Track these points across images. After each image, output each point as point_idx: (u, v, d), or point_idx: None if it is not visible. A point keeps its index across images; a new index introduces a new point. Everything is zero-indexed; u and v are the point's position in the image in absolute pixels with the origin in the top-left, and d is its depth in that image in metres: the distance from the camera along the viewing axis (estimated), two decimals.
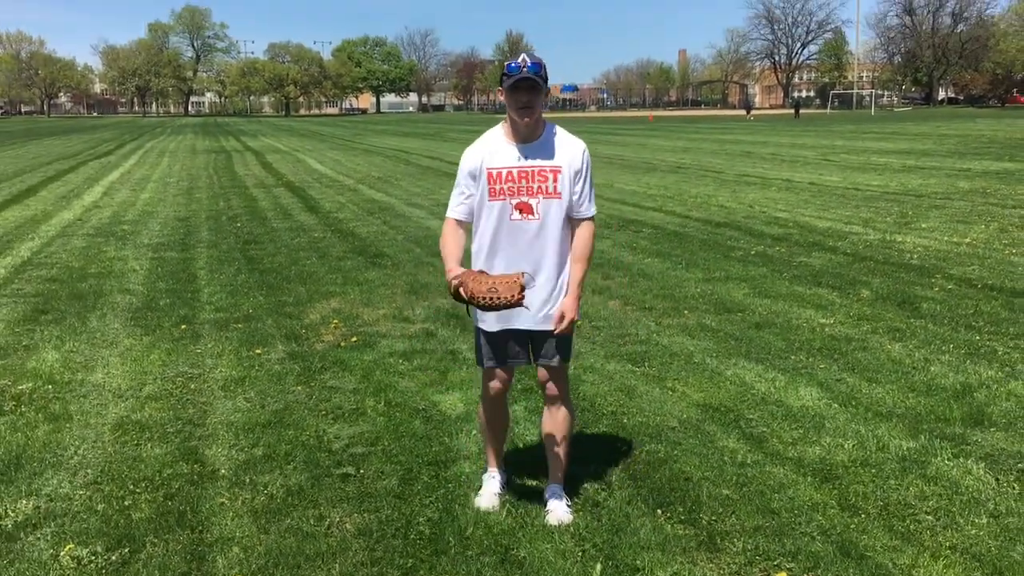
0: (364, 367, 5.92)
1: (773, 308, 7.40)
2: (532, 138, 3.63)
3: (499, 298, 3.36)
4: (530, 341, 3.81)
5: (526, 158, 3.61)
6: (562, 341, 3.78)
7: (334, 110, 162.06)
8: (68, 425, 4.92)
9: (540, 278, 3.66)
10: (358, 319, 7.26)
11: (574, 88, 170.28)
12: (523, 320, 3.69)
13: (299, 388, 5.51)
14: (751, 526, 3.65)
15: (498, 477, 4.02)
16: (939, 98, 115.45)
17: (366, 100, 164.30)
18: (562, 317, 3.63)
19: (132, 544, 3.57)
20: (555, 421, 3.89)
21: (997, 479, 4.07)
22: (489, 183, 3.63)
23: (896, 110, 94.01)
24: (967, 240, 10.60)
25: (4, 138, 48.43)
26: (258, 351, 6.33)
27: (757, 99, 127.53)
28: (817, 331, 6.64)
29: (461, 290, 3.43)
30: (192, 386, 5.57)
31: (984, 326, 6.70)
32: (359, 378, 5.69)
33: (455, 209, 3.75)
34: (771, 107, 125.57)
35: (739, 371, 5.71)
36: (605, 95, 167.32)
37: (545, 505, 3.83)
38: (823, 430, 4.69)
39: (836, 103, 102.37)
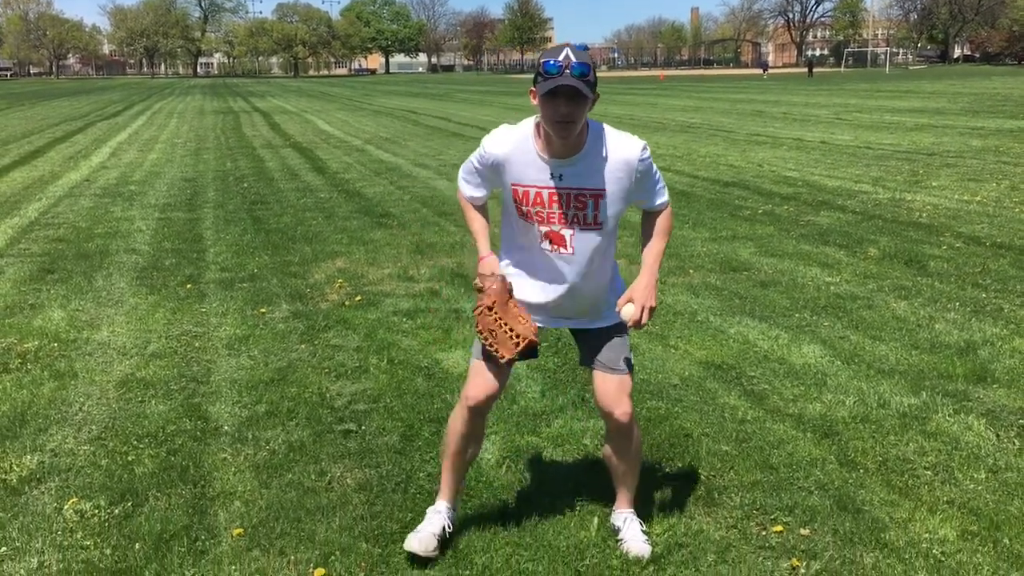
0: (368, 326, 5.93)
1: (779, 267, 7.37)
2: (570, 153, 2.84)
3: (491, 346, 2.94)
4: (578, 339, 3.20)
5: (560, 179, 2.86)
6: (621, 344, 3.10)
7: (343, 71, 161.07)
8: (73, 382, 4.96)
9: (580, 298, 3.06)
10: (363, 278, 7.27)
11: (585, 48, 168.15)
12: (572, 322, 3.13)
13: (303, 346, 5.54)
14: (749, 481, 3.67)
15: (446, 513, 3.22)
16: (955, 56, 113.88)
17: (375, 61, 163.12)
18: (633, 306, 2.93)
19: (135, 498, 3.61)
20: (626, 449, 3.19)
21: (997, 435, 4.06)
22: (515, 201, 2.95)
23: (911, 68, 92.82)
24: (977, 198, 10.50)
25: (12, 99, 48.37)
26: (263, 310, 6.35)
27: (771, 58, 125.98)
28: (823, 289, 6.61)
29: (478, 298, 2.99)
30: (196, 344, 5.60)
31: (991, 284, 6.66)
32: (362, 336, 5.71)
33: (469, 189, 3.13)
34: (784, 66, 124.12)
35: (742, 329, 5.70)
36: (616, 54, 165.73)
37: (617, 534, 3.23)
38: (824, 387, 4.68)
39: (850, 61, 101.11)
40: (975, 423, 4.19)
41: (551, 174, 2.86)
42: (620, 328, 3.09)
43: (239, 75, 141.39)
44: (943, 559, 3.08)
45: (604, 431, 3.35)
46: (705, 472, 3.76)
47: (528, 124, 2.91)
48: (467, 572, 3.05)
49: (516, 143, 2.89)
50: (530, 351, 2.96)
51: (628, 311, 2.94)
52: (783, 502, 3.49)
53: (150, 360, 5.31)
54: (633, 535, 3.18)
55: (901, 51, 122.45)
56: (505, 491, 3.64)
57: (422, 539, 3.08)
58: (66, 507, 3.54)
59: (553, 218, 2.90)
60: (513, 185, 2.91)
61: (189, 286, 7.07)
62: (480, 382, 3.08)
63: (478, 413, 3.12)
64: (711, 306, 6.25)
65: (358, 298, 6.62)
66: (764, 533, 3.28)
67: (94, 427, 4.34)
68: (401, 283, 7.09)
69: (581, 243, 2.93)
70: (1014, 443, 3.98)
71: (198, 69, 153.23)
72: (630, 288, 2.98)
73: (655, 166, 2.99)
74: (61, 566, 3.14)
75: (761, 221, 9.42)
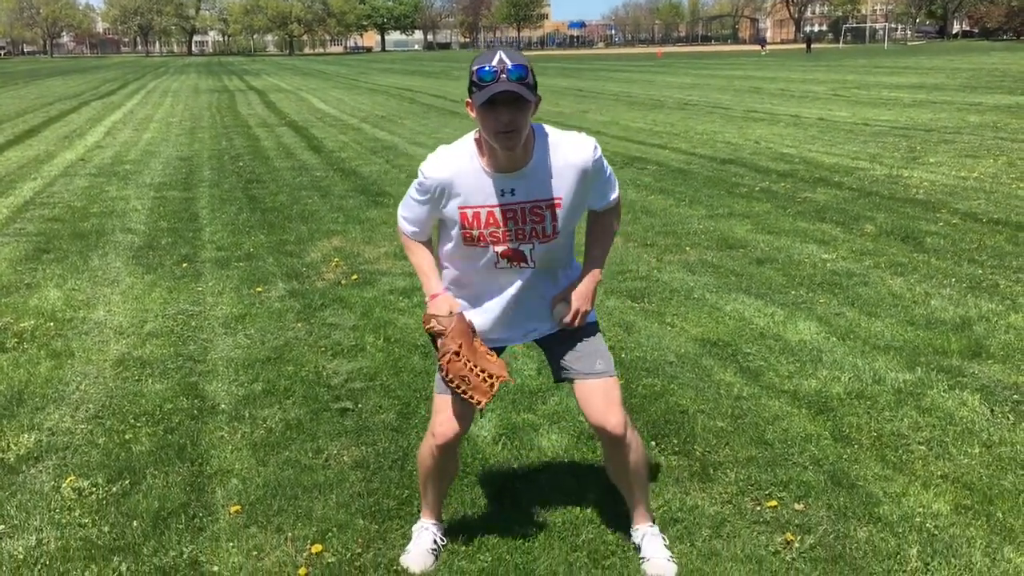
0: (364, 304, 5.93)
1: (775, 244, 7.36)
2: (519, 166, 2.60)
3: (465, 393, 2.69)
4: (548, 352, 2.97)
5: (513, 194, 2.62)
6: (594, 343, 2.88)
7: (339, 48, 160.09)
8: (70, 361, 4.96)
9: (543, 302, 2.86)
10: (359, 257, 7.26)
11: (582, 25, 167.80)
12: (540, 328, 2.90)
13: (299, 325, 5.54)
14: (744, 457, 3.68)
15: (433, 528, 3.11)
16: (953, 31, 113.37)
17: (371, 38, 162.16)
18: (568, 307, 2.81)
19: (132, 476, 3.62)
20: (627, 463, 2.91)
21: (992, 410, 4.08)
22: (462, 227, 2.67)
23: (910, 44, 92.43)
24: (975, 174, 10.49)
25: (6, 79, 48.08)
26: (259, 289, 6.34)
27: (768, 34, 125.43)
28: (819, 266, 6.61)
29: (439, 342, 2.71)
30: (193, 323, 5.60)
31: (987, 260, 6.67)
32: (359, 315, 5.71)
33: (410, 226, 2.84)
34: (782, 42, 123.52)
35: (738, 306, 5.70)
36: (613, 31, 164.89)
37: (640, 551, 3.00)
38: (820, 363, 4.70)
39: (849, 37, 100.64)
40: (970, 398, 4.21)
41: (500, 191, 2.62)
42: (590, 328, 2.89)
43: (234, 53, 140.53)
44: (936, 533, 3.10)
45: (602, 446, 3.05)
46: (700, 448, 3.77)
47: (467, 141, 2.66)
48: (463, 548, 3.07)
49: (459, 163, 2.62)
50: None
51: (560, 311, 2.81)
52: (778, 477, 3.50)
53: (147, 339, 5.31)
54: (655, 552, 2.97)
55: (900, 27, 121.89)
56: (501, 467, 3.65)
57: (418, 559, 2.99)
58: (64, 485, 3.55)
59: (509, 236, 2.67)
60: (461, 209, 2.64)
61: (185, 265, 7.06)
62: (446, 419, 2.85)
63: (449, 448, 2.91)
64: (707, 283, 6.25)
65: (354, 277, 6.62)
66: (759, 508, 3.30)
67: (91, 406, 4.34)
68: (397, 262, 7.08)
69: (541, 255, 2.74)
70: (1008, 418, 4.00)
71: (192, 47, 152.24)
72: (568, 288, 2.83)
73: (606, 162, 2.77)
74: (59, 543, 3.16)
75: (758, 198, 9.41)
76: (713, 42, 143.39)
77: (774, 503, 3.32)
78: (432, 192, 2.67)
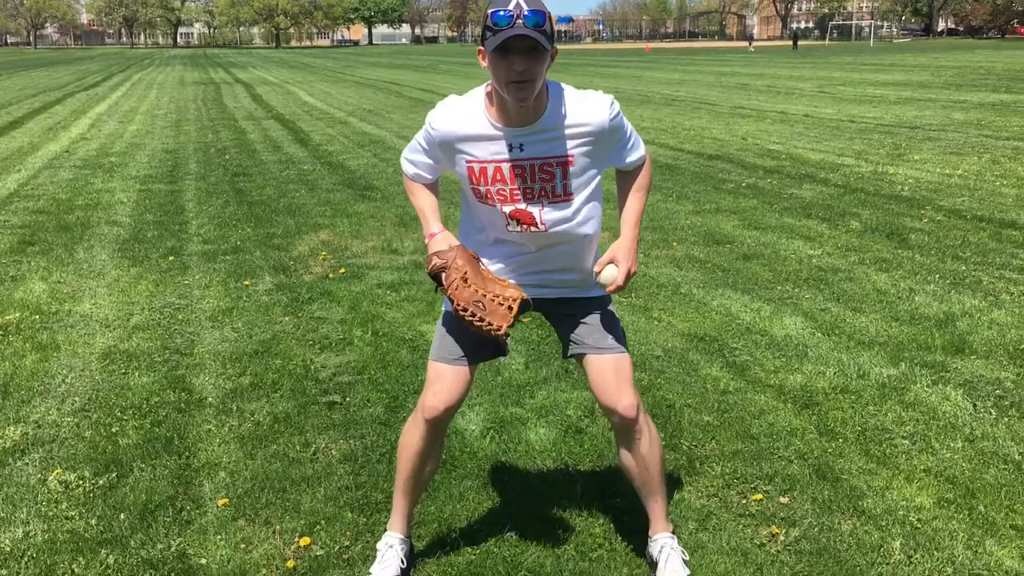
0: (352, 298, 5.93)
1: (762, 240, 7.40)
2: (530, 120, 2.48)
3: (481, 320, 2.53)
4: (558, 324, 2.84)
5: (521, 149, 2.51)
6: (608, 317, 2.75)
7: (325, 42, 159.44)
8: (56, 354, 4.94)
9: (560, 274, 2.75)
10: (346, 251, 7.26)
11: (569, 20, 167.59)
12: (546, 289, 2.74)
13: (286, 319, 5.53)
14: (730, 451, 3.71)
15: (399, 547, 2.88)
16: (939, 29, 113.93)
17: (358, 32, 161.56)
18: (615, 269, 2.62)
19: (120, 469, 3.62)
20: (641, 453, 2.77)
21: (974, 405, 4.12)
22: (470, 182, 2.59)
23: (895, 42, 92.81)
24: (959, 172, 10.57)
25: None
26: (246, 282, 6.33)
27: (755, 30, 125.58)
28: (804, 262, 6.65)
29: (443, 276, 2.58)
30: (179, 316, 5.59)
31: (971, 256, 6.72)
32: (347, 309, 5.71)
33: (413, 169, 2.76)
34: (769, 38, 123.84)
35: (725, 301, 5.73)
36: (601, 26, 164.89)
37: (656, 566, 2.82)
38: (805, 358, 4.73)
39: (835, 34, 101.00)
40: (953, 393, 4.25)
41: (509, 145, 2.50)
42: (604, 301, 2.78)
43: (220, 46, 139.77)
44: (919, 526, 3.14)
45: (614, 434, 2.89)
46: (687, 442, 3.80)
47: (478, 92, 2.56)
48: (451, 541, 3.08)
49: (466, 115, 2.53)
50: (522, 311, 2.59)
51: (610, 273, 2.63)
52: (763, 471, 3.53)
53: (133, 332, 5.30)
54: (674, 570, 2.77)
55: (885, 24, 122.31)
56: (489, 461, 3.66)
57: None
58: (50, 478, 3.55)
59: (517, 195, 2.55)
60: (468, 163, 2.55)
61: (171, 258, 7.04)
62: (439, 389, 2.70)
63: (437, 426, 2.74)
64: (694, 278, 6.28)
65: (342, 270, 6.61)
66: (744, 501, 3.33)
67: (77, 399, 4.33)
68: (385, 256, 7.08)
69: (552, 218, 2.59)
70: (990, 413, 4.04)
71: (178, 39, 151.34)
72: (611, 249, 2.66)
73: (626, 120, 2.65)
74: (47, 536, 3.15)
75: (744, 194, 9.45)
76: (700, 38, 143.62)
77: (759, 496, 3.34)
78: (436, 143, 2.59)
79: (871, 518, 3.19)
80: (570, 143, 2.53)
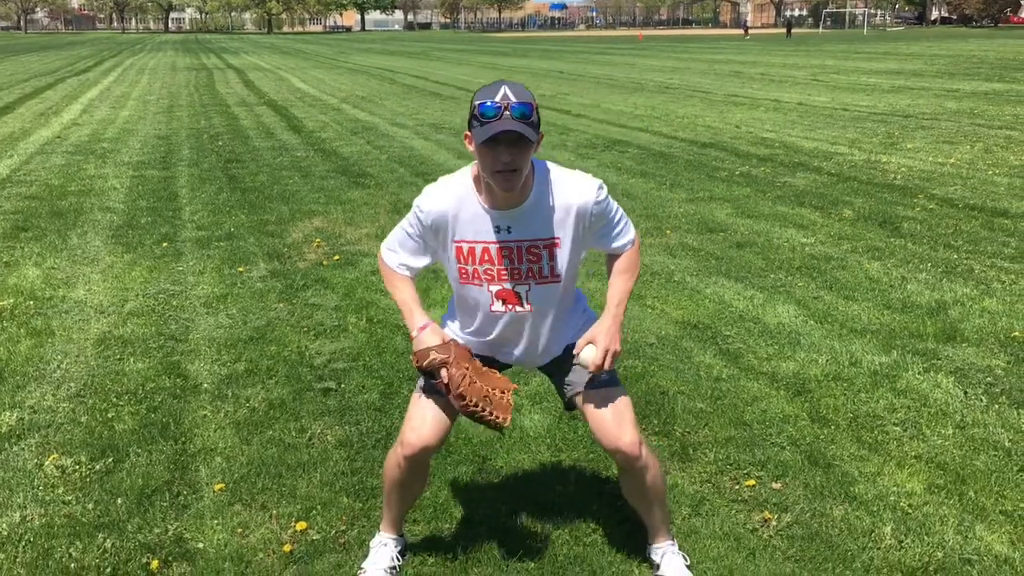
0: (346, 285, 5.94)
1: (755, 228, 7.43)
2: (516, 203, 2.50)
3: (491, 415, 2.55)
4: (548, 374, 2.88)
5: (509, 232, 2.52)
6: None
7: (318, 28, 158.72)
8: (50, 340, 4.94)
9: (545, 348, 2.76)
10: (340, 238, 7.26)
11: (563, 6, 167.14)
12: (524, 359, 2.80)
13: (281, 305, 5.54)
14: (723, 437, 3.74)
15: (393, 545, 2.90)
16: (932, 18, 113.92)
17: (350, 18, 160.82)
18: (595, 350, 2.60)
19: (116, 454, 3.63)
20: (644, 484, 2.74)
21: (965, 392, 4.16)
22: (457, 262, 2.58)
23: (889, 30, 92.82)
24: (951, 160, 10.60)
25: None
26: (240, 269, 6.33)
27: (749, 18, 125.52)
28: (797, 250, 6.68)
29: (443, 371, 2.55)
30: (174, 303, 5.59)
31: (963, 245, 6.76)
32: (341, 295, 5.72)
33: (396, 260, 2.70)
34: (763, 26, 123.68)
35: (718, 289, 5.76)
36: (594, 13, 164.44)
37: (658, 569, 2.83)
38: (798, 346, 4.76)
39: (828, 22, 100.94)
40: (944, 381, 4.28)
41: (497, 227, 2.51)
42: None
43: (211, 31, 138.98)
44: (910, 511, 3.17)
45: (616, 468, 2.90)
46: (680, 429, 3.82)
47: (465, 175, 2.56)
48: (447, 526, 3.11)
49: (458, 197, 2.53)
50: None
51: (588, 354, 2.60)
52: (756, 457, 3.56)
53: (128, 318, 5.30)
54: (676, 572, 2.80)
55: (879, 12, 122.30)
56: (484, 447, 3.68)
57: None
58: (47, 463, 3.56)
59: (504, 275, 2.56)
60: (456, 243, 2.55)
61: (165, 245, 7.03)
62: (418, 426, 2.67)
63: (416, 463, 2.71)
64: (688, 266, 6.30)
65: (336, 257, 6.62)
66: (737, 487, 3.36)
67: (73, 384, 4.34)
68: (379, 243, 7.01)
69: (539, 297, 2.60)
70: (981, 400, 4.08)
71: (169, 24, 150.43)
72: (591, 330, 2.64)
73: (614, 204, 2.64)
74: (44, 520, 3.16)
75: (738, 182, 9.47)
76: (694, 25, 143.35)
77: (752, 482, 3.37)
78: (428, 226, 2.57)
79: (862, 503, 3.22)
80: (557, 225, 2.54)
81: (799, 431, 3.78)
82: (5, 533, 3.10)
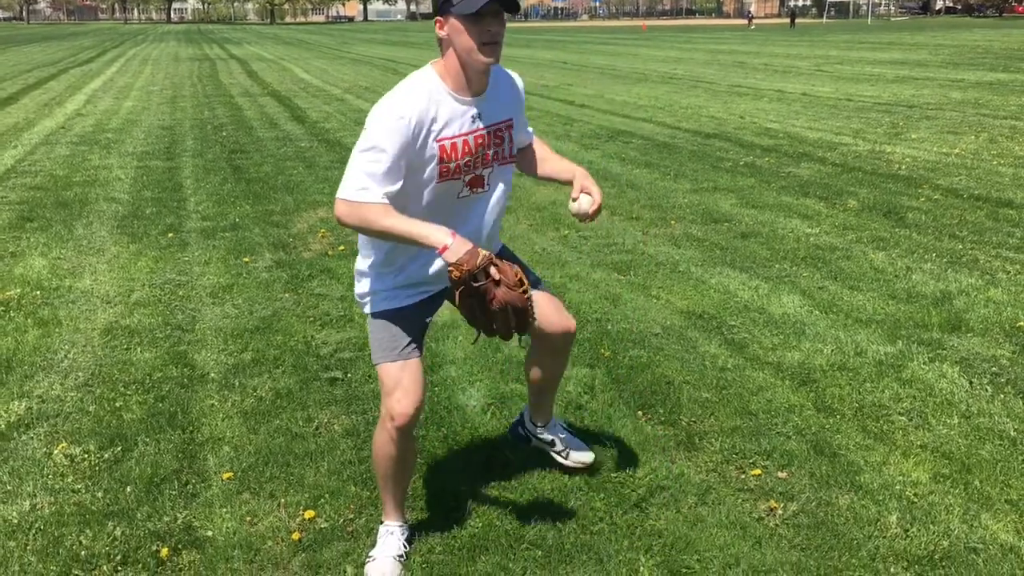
0: (351, 275, 5.92)
1: (759, 218, 7.42)
2: (483, 89, 2.60)
3: (532, 312, 2.53)
4: None
5: (480, 118, 2.60)
6: (519, 261, 2.85)
7: (320, 18, 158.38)
8: (58, 330, 4.96)
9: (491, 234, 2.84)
10: (345, 228, 7.24)
11: None
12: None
13: (287, 295, 5.55)
14: (729, 427, 3.75)
15: (399, 533, 2.93)
16: (937, 7, 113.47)
17: (353, 8, 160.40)
18: (590, 199, 2.73)
19: (124, 443, 3.65)
20: (564, 361, 3.11)
21: (971, 382, 4.16)
22: (440, 161, 2.55)
23: (893, 20, 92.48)
24: (956, 151, 10.58)
25: None
26: (246, 259, 6.34)
27: (753, 7, 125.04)
28: (802, 241, 6.68)
29: (492, 269, 2.43)
30: (180, 293, 5.61)
31: (968, 235, 6.75)
32: (346, 286, 5.73)
33: (380, 192, 2.46)
34: (767, 16, 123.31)
35: (723, 279, 5.76)
36: (598, 3, 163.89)
37: (552, 446, 3.24)
38: (803, 336, 4.77)
39: (832, 12, 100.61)
40: (949, 371, 4.29)
41: (472, 117, 2.58)
42: (505, 251, 2.95)
43: (214, 21, 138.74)
44: (916, 500, 3.19)
45: (535, 352, 3.05)
46: (686, 418, 3.84)
47: (426, 73, 2.58)
48: (454, 515, 3.12)
49: (429, 95, 2.52)
50: None
51: (586, 201, 2.72)
52: (762, 447, 3.57)
53: (134, 308, 5.32)
54: (573, 442, 3.30)
55: (883, 2, 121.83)
56: (489, 436, 3.70)
57: (384, 567, 2.81)
58: (56, 452, 3.58)
59: (479, 162, 2.63)
60: (439, 142, 2.52)
61: (171, 235, 7.04)
62: (402, 395, 2.68)
63: (410, 430, 2.74)
64: (692, 257, 6.31)
65: (341, 248, 6.63)
66: (743, 476, 3.37)
67: (80, 374, 4.36)
68: None
69: (496, 178, 2.74)
70: (986, 390, 4.08)
71: (172, 15, 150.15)
72: (579, 182, 2.76)
73: None
74: (53, 508, 3.18)
75: (742, 173, 9.46)
76: (698, 15, 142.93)
77: (758, 471, 3.39)
78: (411, 132, 2.47)
79: (868, 493, 3.24)
80: (509, 106, 2.73)
81: (805, 421, 3.79)
82: (16, 521, 3.12)
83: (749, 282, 5.70)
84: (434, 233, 2.45)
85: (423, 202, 2.61)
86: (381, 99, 2.57)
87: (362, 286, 2.85)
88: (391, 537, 2.91)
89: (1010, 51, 30.72)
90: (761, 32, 60.40)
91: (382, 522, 2.97)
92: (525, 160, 2.93)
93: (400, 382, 2.69)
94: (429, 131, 2.52)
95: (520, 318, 2.49)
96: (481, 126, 2.61)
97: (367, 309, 2.83)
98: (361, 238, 2.78)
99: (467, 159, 2.59)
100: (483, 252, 2.45)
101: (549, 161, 2.93)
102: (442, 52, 2.56)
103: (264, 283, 5.80)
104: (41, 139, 12.55)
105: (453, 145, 2.55)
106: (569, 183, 2.82)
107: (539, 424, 3.28)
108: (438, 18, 2.50)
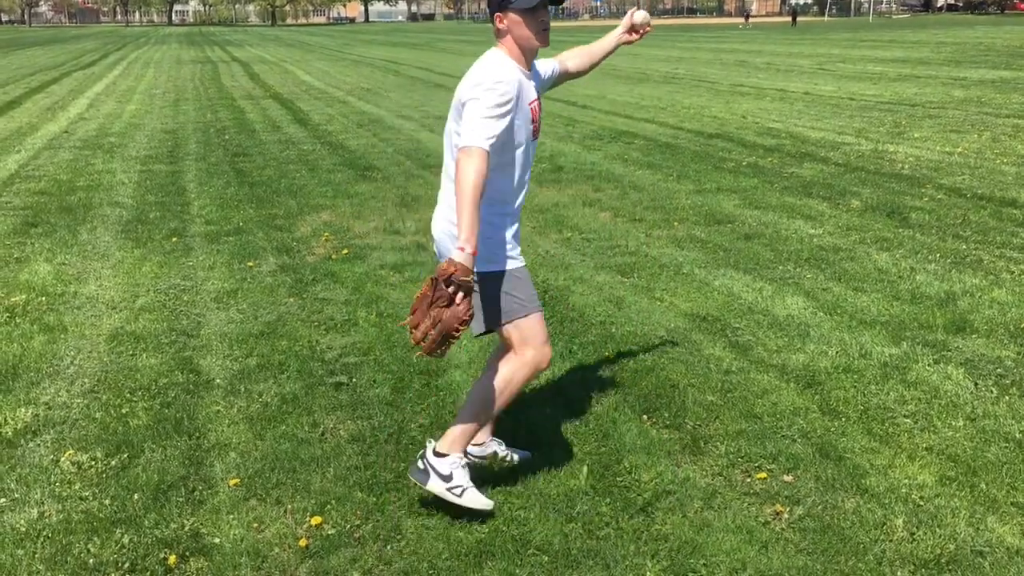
0: (355, 279, 5.96)
1: (763, 219, 7.42)
2: (531, 66, 3.18)
3: (446, 349, 2.88)
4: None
5: (536, 90, 3.19)
6: None
7: (322, 19, 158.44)
8: (63, 336, 4.97)
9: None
10: (349, 232, 7.27)
11: None
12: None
13: (291, 300, 5.56)
14: (734, 430, 3.75)
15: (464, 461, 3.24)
16: (938, 5, 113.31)
17: (354, 9, 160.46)
18: (644, 13, 3.56)
19: (131, 450, 3.66)
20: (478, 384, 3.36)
21: (976, 383, 4.16)
22: (532, 121, 3.12)
23: (895, 17, 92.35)
24: (959, 150, 10.57)
25: None
26: (250, 264, 6.35)
27: (754, 6, 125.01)
28: (805, 242, 6.68)
29: (460, 296, 2.77)
30: (185, 298, 5.62)
31: (971, 235, 6.75)
32: (351, 290, 5.74)
33: (491, 141, 2.86)
34: (768, 14, 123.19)
35: (727, 281, 5.76)
36: (598, 3, 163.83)
37: (496, 456, 3.50)
38: (808, 338, 4.77)
39: (834, 10, 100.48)
40: (954, 372, 4.29)
41: (535, 88, 3.17)
42: None
43: (215, 23, 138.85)
44: (922, 504, 3.19)
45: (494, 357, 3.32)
46: (691, 422, 3.84)
47: (498, 55, 3.07)
48: (460, 521, 3.13)
49: (511, 69, 3.04)
50: None
51: (643, 14, 3.52)
52: (767, 450, 3.58)
53: (139, 314, 5.33)
54: (512, 449, 3.53)
55: (885, 0, 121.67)
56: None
57: (481, 495, 3.13)
58: (63, 459, 3.59)
59: (540, 127, 3.22)
60: (531, 105, 3.09)
61: (175, 239, 7.06)
62: (545, 339, 3.16)
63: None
64: (696, 258, 6.31)
65: (345, 251, 6.64)
66: (748, 480, 3.37)
67: (87, 380, 4.37)
68: (387, 236, 7.10)
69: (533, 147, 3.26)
70: (991, 391, 4.08)
71: (173, 17, 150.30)
72: (620, 28, 3.56)
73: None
74: (61, 516, 3.19)
75: (745, 173, 9.46)
76: (699, 14, 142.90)
77: (764, 475, 3.39)
78: (515, 95, 2.97)
79: (874, 496, 3.24)
80: (537, 80, 3.23)
81: (810, 424, 3.80)
82: (24, 529, 3.13)
83: (753, 284, 5.70)
84: (473, 237, 2.76)
85: (520, 150, 3.09)
86: (474, 73, 3.00)
87: (485, 248, 2.97)
88: (470, 468, 3.19)
89: (1012, 48, 30.68)
90: (762, 31, 60.34)
91: (449, 454, 3.11)
92: (576, 64, 3.58)
93: (538, 329, 3.12)
94: (521, 96, 3.02)
95: (437, 343, 2.80)
96: (535, 96, 3.15)
97: (496, 268, 3.07)
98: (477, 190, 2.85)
99: (540, 117, 3.20)
100: (470, 281, 2.75)
101: (587, 50, 3.60)
102: (499, 41, 3.08)
103: (268, 287, 5.81)
104: (44, 143, 12.57)
105: (533, 109, 3.11)
106: (617, 43, 3.59)
107: (487, 439, 3.50)
108: (497, 13, 3.03)
